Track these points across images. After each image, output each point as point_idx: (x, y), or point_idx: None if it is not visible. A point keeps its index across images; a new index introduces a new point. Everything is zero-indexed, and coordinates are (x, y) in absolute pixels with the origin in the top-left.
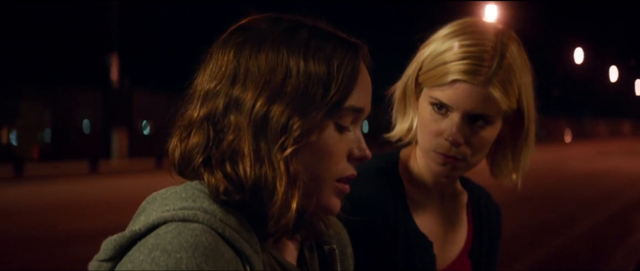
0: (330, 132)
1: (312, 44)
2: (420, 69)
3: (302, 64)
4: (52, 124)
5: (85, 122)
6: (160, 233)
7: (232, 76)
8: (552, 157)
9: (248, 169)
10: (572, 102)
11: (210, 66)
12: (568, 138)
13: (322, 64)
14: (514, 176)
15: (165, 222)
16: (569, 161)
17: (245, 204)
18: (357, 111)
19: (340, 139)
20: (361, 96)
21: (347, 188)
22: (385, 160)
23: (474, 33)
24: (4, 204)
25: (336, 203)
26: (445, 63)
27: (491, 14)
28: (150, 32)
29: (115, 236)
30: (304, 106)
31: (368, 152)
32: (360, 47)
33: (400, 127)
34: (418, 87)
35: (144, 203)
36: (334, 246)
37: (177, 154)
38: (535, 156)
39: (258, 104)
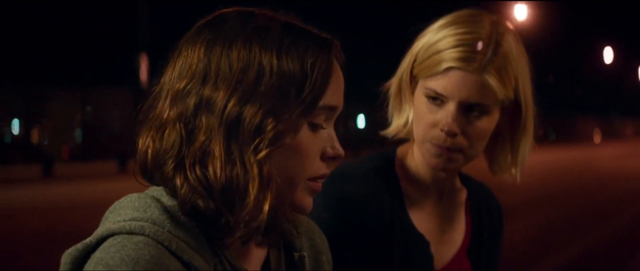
0: (304, 132)
1: (286, 41)
2: (414, 61)
3: (275, 62)
4: (82, 124)
5: (115, 123)
6: (106, 247)
7: (203, 75)
8: (581, 157)
9: (219, 171)
10: (602, 102)
11: (180, 63)
12: (597, 138)
13: (295, 63)
14: (513, 170)
15: (112, 234)
16: (597, 161)
17: (209, 213)
18: (331, 109)
19: (314, 138)
20: (335, 94)
21: (319, 186)
22: (380, 158)
23: (469, 22)
24: (35, 203)
25: (309, 202)
26: (439, 52)
27: (520, 13)
28: (179, 32)
29: (70, 249)
30: (277, 106)
31: (341, 151)
32: (333, 44)
33: (396, 123)
34: (413, 80)
35: (106, 212)
36: (304, 253)
37: (149, 154)
38: (564, 156)
39: (230, 105)
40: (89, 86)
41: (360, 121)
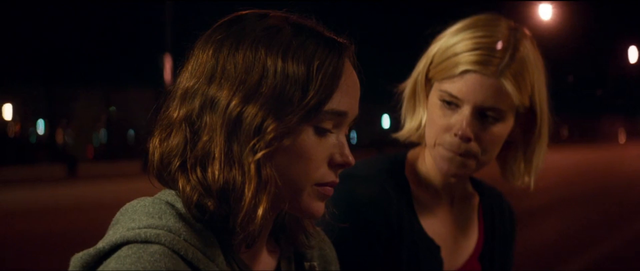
0: (308, 136)
1: (294, 43)
2: (430, 64)
3: (280, 64)
4: (107, 124)
5: (140, 123)
6: (121, 256)
7: (210, 75)
8: (605, 157)
9: (217, 172)
10: (627, 102)
11: (192, 63)
12: (622, 138)
13: (301, 65)
14: (526, 178)
15: (127, 242)
16: (622, 162)
17: (215, 217)
18: (339, 115)
19: (320, 144)
20: (344, 99)
21: (329, 191)
22: (390, 161)
23: (487, 26)
24: (59, 202)
25: (318, 207)
26: (455, 54)
27: (545, 13)
28: (204, 33)
29: (81, 253)
30: (279, 108)
31: (351, 158)
32: (345, 48)
33: (408, 126)
34: (428, 83)
35: (117, 214)
36: (315, 263)
37: (156, 156)
38: (588, 157)
39: (232, 104)
40: (114, 86)
41: (385, 122)
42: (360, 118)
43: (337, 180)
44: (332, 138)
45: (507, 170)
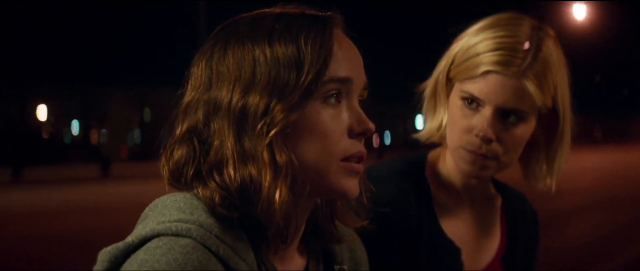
0: (317, 111)
1: (277, 28)
2: (451, 64)
3: (268, 51)
4: (141, 124)
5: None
6: (151, 248)
7: (208, 83)
8: (637, 159)
9: (232, 172)
10: None
11: (190, 82)
12: None
13: (289, 46)
14: (548, 180)
15: (157, 235)
16: None
17: (245, 216)
18: (342, 82)
19: (333, 117)
20: (343, 65)
21: (358, 167)
22: (409, 161)
23: (509, 26)
24: (92, 202)
25: (351, 184)
26: (477, 55)
27: (579, 13)
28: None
29: (110, 247)
30: (279, 91)
31: (370, 125)
32: (330, 18)
33: (429, 127)
34: (449, 83)
35: (146, 210)
36: (345, 266)
37: (166, 172)
38: (621, 158)
39: (234, 100)
40: (148, 87)
41: (418, 122)
42: (393, 119)
43: (364, 150)
44: (344, 109)
45: (529, 172)
